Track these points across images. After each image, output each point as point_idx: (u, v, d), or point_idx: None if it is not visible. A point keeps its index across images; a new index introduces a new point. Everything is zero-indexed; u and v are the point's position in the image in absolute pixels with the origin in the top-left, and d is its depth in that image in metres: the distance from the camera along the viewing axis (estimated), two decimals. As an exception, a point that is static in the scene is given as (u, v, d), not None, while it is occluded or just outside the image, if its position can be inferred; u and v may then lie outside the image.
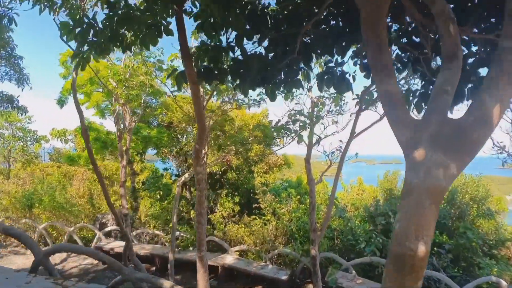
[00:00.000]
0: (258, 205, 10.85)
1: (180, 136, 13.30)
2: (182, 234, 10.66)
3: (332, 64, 4.00)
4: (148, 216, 13.15)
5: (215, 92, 6.20)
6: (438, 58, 3.67)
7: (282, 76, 3.93)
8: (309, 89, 6.28)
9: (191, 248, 10.30)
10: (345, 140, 5.86)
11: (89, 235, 12.78)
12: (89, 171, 17.29)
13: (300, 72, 3.97)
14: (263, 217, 10.44)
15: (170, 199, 12.73)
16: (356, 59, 4.26)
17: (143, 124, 12.66)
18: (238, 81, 3.92)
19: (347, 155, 5.91)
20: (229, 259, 9.41)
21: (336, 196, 8.47)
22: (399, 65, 4.05)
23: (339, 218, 9.51)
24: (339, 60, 4.12)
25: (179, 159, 13.26)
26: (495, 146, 8.88)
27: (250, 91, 4.01)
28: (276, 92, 4.20)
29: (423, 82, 3.73)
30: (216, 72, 3.56)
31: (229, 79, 4.40)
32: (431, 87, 3.60)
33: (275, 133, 5.39)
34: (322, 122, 5.50)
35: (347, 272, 7.71)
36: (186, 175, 7.85)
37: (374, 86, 5.18)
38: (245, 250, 9.93)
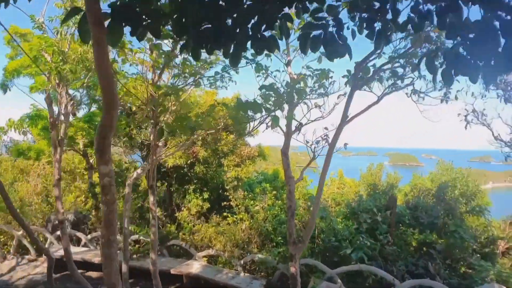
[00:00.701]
0: (228, 202, 9.64)
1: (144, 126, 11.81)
2: (141, 237, 9.29)
3: (323, 14, 2.76)
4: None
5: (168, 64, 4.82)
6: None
7: (250, 32, 2.65)
8: (288, 63, 5.04)
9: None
10: (331, 128, 4.70)
11: (44, 239, 11.25)
12: (48, 165, 15.51)
13: (275, 26, 2.70)
14: (234, 216, 9.26)
15: (137, 195, 11.40)
16: (356, 13, 3.02)
17: (98, 111, 11.09)
18: (184, 38, 2.65)
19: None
20: (196, 266, 8.17)
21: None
22: (416, 19, 2.87)
23: (320, 218, 8.43)
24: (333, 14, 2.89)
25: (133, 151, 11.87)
26: (497, 139, 8.17)
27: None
28: (241, 55, 2.93)
29: (455, 42, 2.53)
30: (142, 15, 2.23)
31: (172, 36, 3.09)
32: (467, 43, 2.40)
33: (241, 112, 4.12)
34: (304, 101, 4.27)
35: (332, 282, 6.63)
36: (139, 170, 6.44)
37: (374, 56, 4.00)
38: (214, 255, 8.69)
